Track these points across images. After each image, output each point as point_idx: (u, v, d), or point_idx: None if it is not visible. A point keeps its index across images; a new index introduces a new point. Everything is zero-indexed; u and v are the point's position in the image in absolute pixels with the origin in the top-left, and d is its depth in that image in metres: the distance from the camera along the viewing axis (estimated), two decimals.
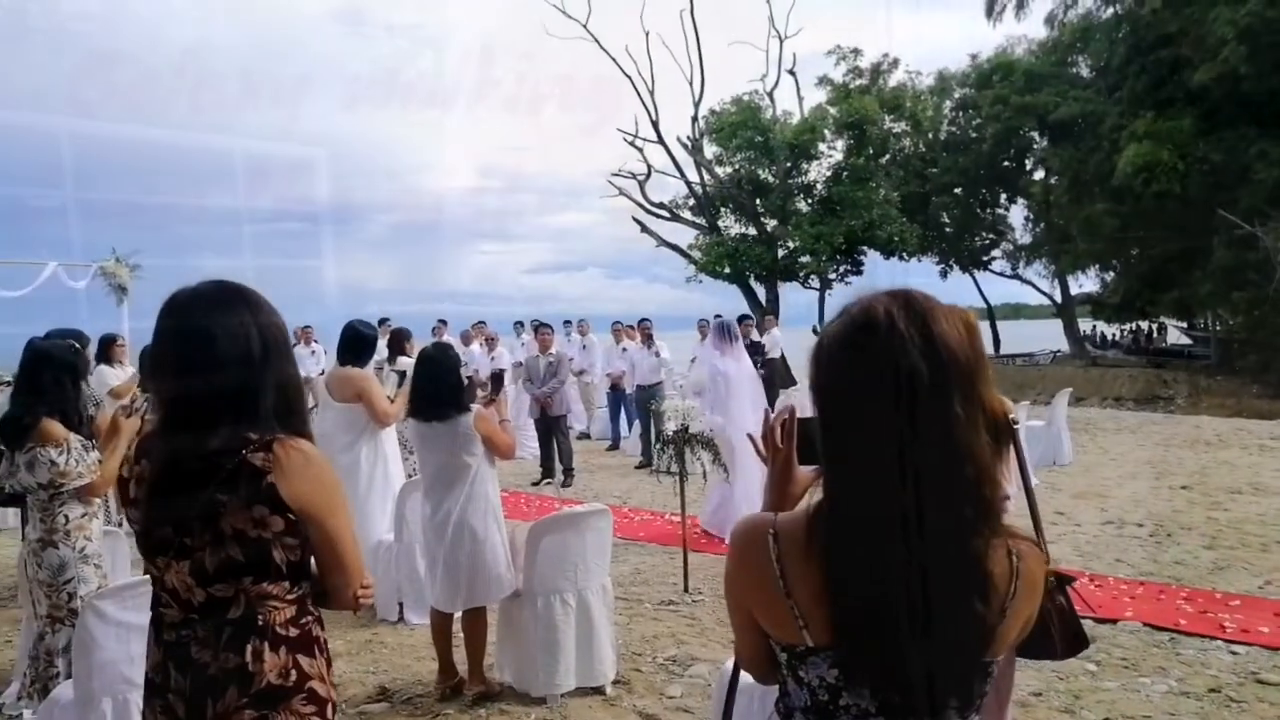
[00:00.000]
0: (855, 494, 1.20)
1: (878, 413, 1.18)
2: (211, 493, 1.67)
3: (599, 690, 4.31)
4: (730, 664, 3.19)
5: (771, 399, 11.34)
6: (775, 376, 11.37)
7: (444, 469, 4.13)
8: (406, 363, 8.18)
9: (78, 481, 3.66)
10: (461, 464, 4.11)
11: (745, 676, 1.58)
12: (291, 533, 1.72)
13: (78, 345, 4.13)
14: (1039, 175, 26.02)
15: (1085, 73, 25.01)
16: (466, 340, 13.59)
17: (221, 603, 1.71)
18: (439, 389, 4.09)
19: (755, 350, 11.20)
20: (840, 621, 1.21)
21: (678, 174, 26.42)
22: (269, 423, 1.73)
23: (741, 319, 12.45)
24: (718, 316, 14.98)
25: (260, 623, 1.72)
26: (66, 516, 3.69)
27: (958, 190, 26.09)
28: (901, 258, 25.31)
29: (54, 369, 3.69)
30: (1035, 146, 25.39)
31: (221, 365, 1.70)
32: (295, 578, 1.77)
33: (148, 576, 1.80)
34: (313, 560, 1.81)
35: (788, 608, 1.25)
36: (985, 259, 27.87)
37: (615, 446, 12.54)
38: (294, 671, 1.75)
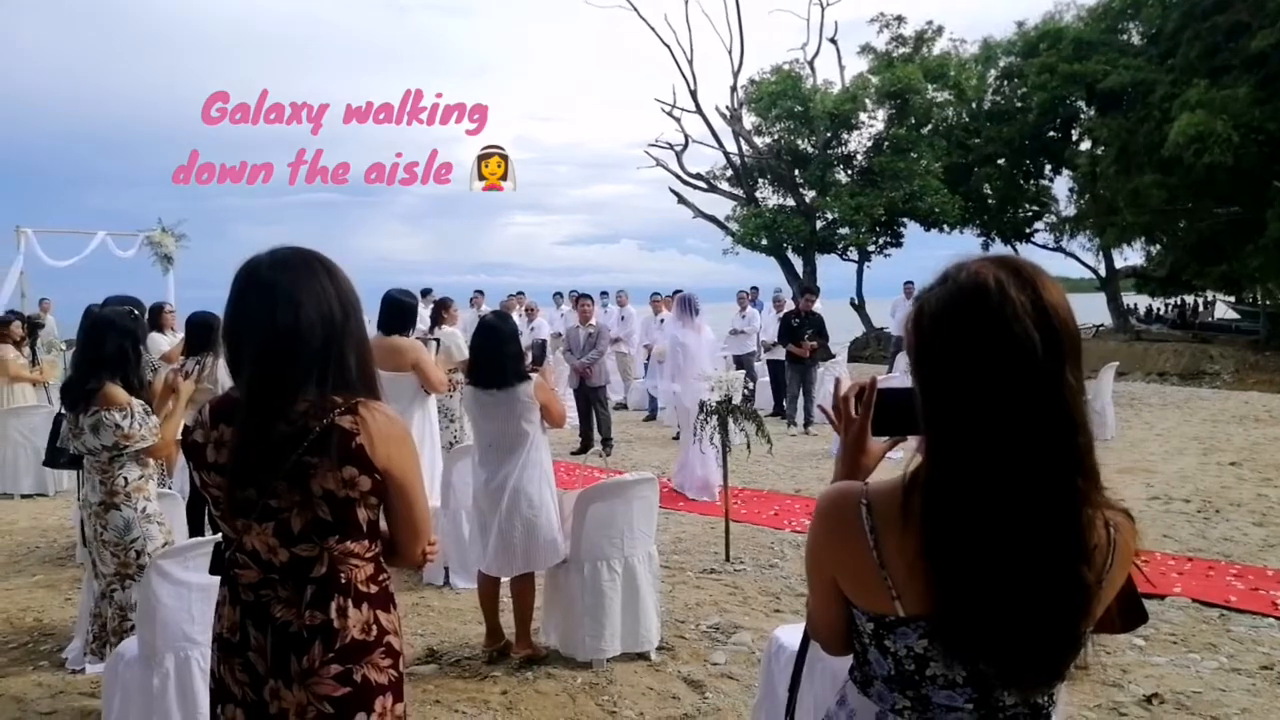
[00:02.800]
0: (962, 463, 1.19)
1: (988, 381, 1.16)
2: (301, 455, 1.70)
3: (644, 656, 4.36)
4: (780, 634, 3.22)
5: (812, 374, 11.29)
6: (823, 350, 11.30)
7: (502, 436, 4.18)
8: (448, 331, 8.27)
9: (140, 444, 3.75)
10: (520, 431, 4.16)
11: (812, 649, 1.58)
12: (375, 492, 1.76)
13: (136, 312, 4.21)
14: (1085, 146, 25.32)
15: (1136, 40, 24.23)
16: (505, 311, 13.67)
17: (305, 562, 1.75)
18: (500, 357, 4.13)
19: (811, 321, 11.14)
20: (943, 591, 1.19)
21: (716, 145, 26.17)
22: (352, 386, 1.76)
23: (804, 291, 12.61)
24: (759, 289, 14.91)
25: (343, 580, 1.77)
26: (125, 479, 3.78)
27: (1001, 161, 25.49)
28: (942, 229, 24.91)
29: (117, 335, 3.77)
30: (1082, 116, 24.70)
31: (309, 330, 1.73)
32: (373, 536, 1.82)
33: (211, 538, 1.84)
34: (383, 518, 1.84)
35: (881, 578, 1.25)
36: (1028, 231, 27.26)
37: (652, 417, 12.56)
38: (374, 626, 1.80)
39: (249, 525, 1.76)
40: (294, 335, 1.72)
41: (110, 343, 3.74)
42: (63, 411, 4.11)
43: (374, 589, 1.82)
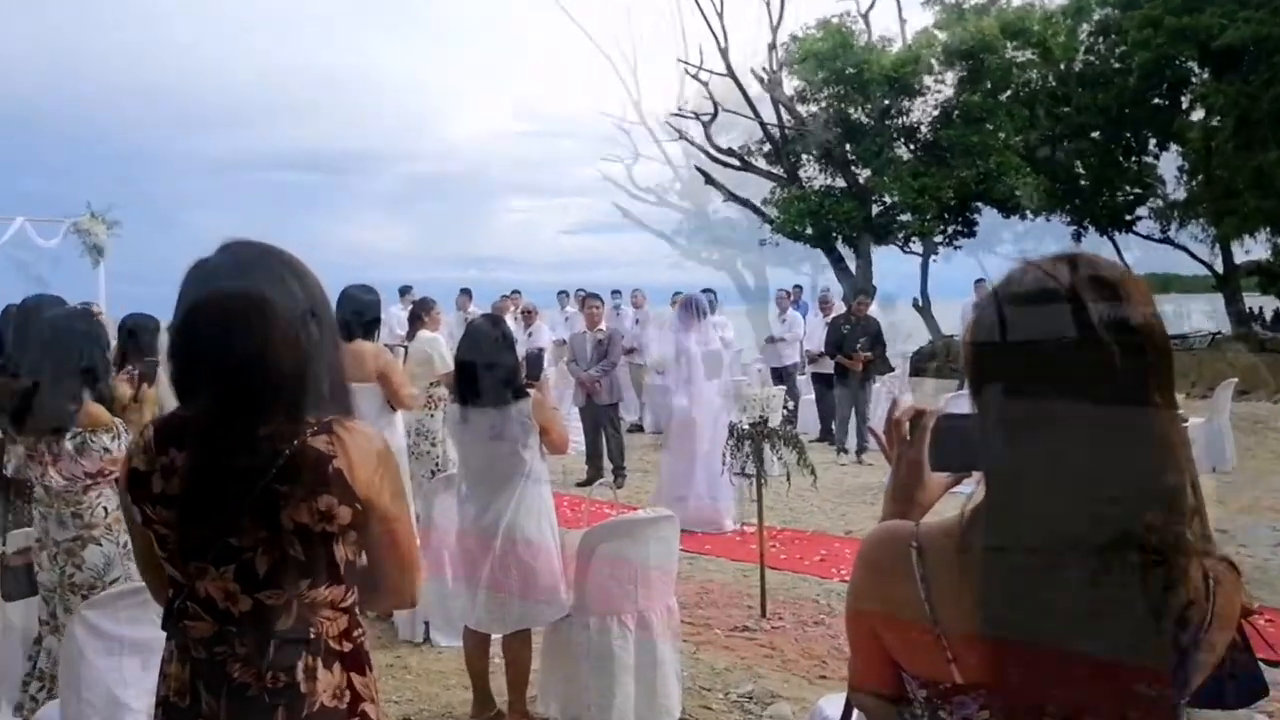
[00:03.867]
0: (1030, 503, 1.21)
1: (1059, 406, 1.18)
2: (267, 483, 1.74)
3: None
4: (825, 705, 3.24)
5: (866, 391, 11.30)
6: (880, 362, 11.34)
7: (493, 464, 4.22)
8: (428, 337, 8.32)
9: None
10: (516, 458, 4.20)
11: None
12: (356, 525, 1.80)
13: (98, 310, 4.27)
14: (1198, 115, 25.20)
15: None
16: (499, 314, 13.72)
17: (269, 611, 1.79)
18: (492, 369, 4.17)
19: (864, 327, 11.15)
20: (1004, 655, 1.21)
21: (751, 114, 26.22)
22: (325, 403, 1.81)
23: (856, 291, 12.74)
24: (802, 288, 14.95)
25: (312, 636, 1.80)
26: (105, 509, 3.82)
27: (1096, 134, 25.37)
28: (1024, 216, 24.86)
29: (87, 344, 3.83)
30: (1194, 80, 24.59)
31: (279, 344, 1.77)
32: (350, 581, 1.86)
33: (142, 584, 1.87)
34: (363, 557, 1.88)
35: (934, 637, 1.26)
36: (1128, 218, 27.09)
37: None
38: (347, 691, 1.84)
39: (203, 569, 1.79)
40: (261, 352, 1.75)
41: (84, 354, 3.79)
42: (9, 433, 4.14)
43: (347, 646, 1.85)
